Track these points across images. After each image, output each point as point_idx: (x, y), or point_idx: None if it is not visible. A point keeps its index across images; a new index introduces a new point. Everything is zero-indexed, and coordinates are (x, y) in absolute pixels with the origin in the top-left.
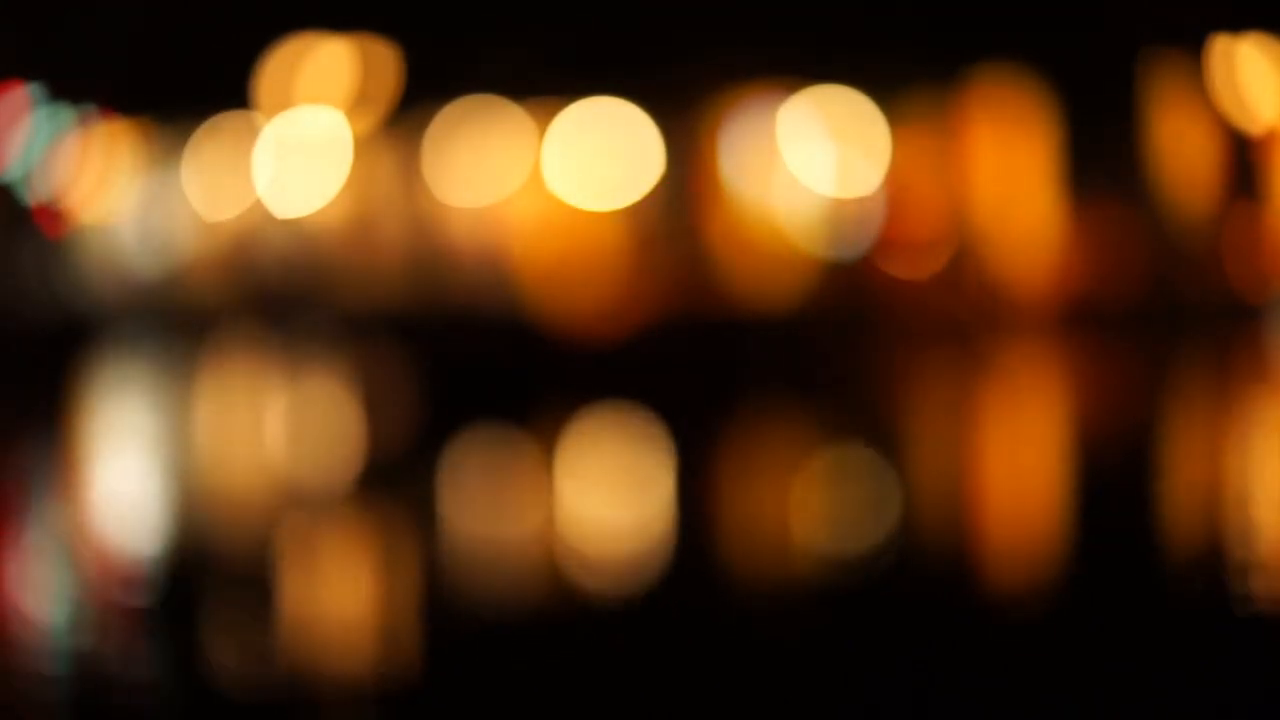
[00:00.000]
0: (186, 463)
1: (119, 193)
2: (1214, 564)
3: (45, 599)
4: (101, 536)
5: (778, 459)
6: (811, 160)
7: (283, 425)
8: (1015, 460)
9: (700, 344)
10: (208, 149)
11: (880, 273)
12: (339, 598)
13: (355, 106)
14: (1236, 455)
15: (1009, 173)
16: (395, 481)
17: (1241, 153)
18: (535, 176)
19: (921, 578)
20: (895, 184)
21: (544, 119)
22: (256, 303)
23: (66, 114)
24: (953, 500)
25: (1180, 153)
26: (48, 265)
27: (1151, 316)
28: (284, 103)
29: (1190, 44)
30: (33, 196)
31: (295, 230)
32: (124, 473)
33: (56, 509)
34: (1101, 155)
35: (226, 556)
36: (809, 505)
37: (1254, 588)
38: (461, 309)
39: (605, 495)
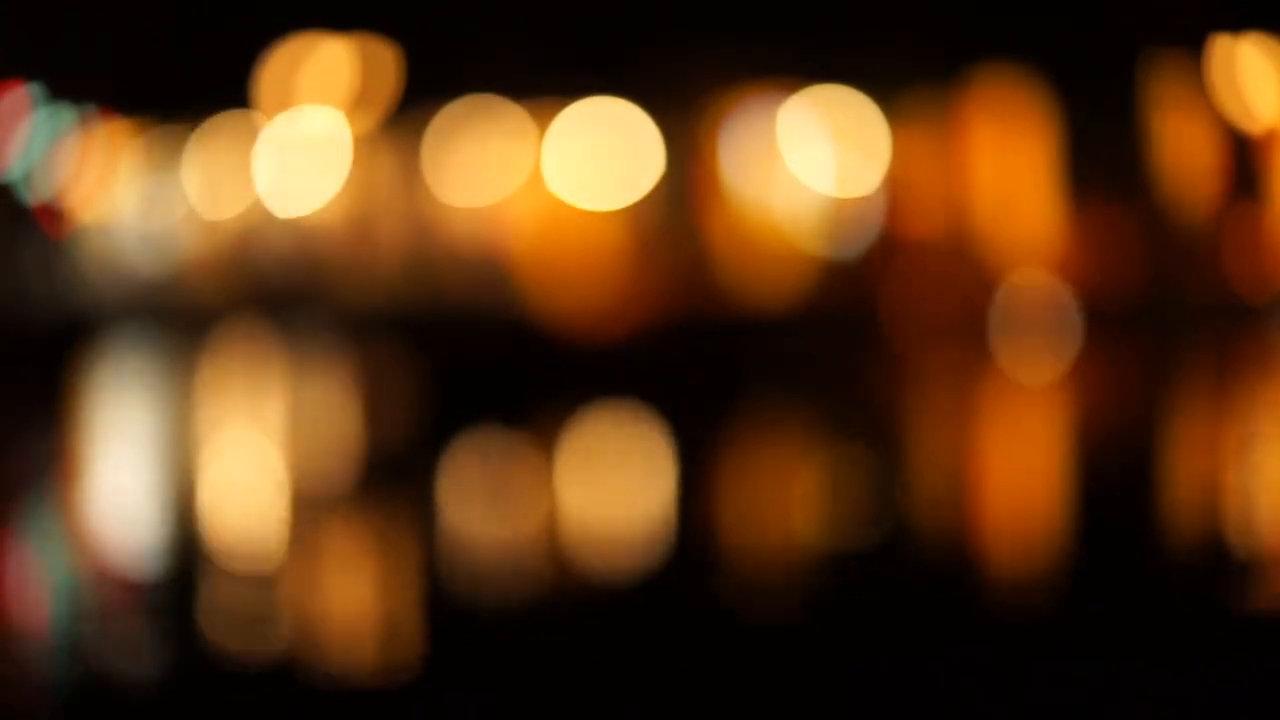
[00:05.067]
0: (186, 462)
1: (119, 193)
2: (1215, 563)
3: (45, 597)
4: (102, 535)
5: (778, 458)
6: (811, 160)
7: (283, 425)
8: (1015, 460)
9: (700, 344)
10: (208, 149)
11: (880, 273)
12: (339, 596)
13: (355, 106)
14: (1237, 455)
15: (1009, 173)
16: (395, 481)
17: (1241, 153)
18: (535, 176)
19: (922, 577)
20: (895, 184)
21: (544, 119)
22: (257, 302)
23: (66, 114)
24: (953, 499)
25: (1180, 153)
26: (48, 265)
27: (1152, 316)
28: (284, 103)
29: (1190, 44)
30: (33, 196)
31: (295, 230)
32: (124, 472)
33: (57, 508)
34: (1101, 155)
35: (227, 556)
36: (809, 504)
37: (1255, 586)
38: (461, 309)
39: (605, 495)
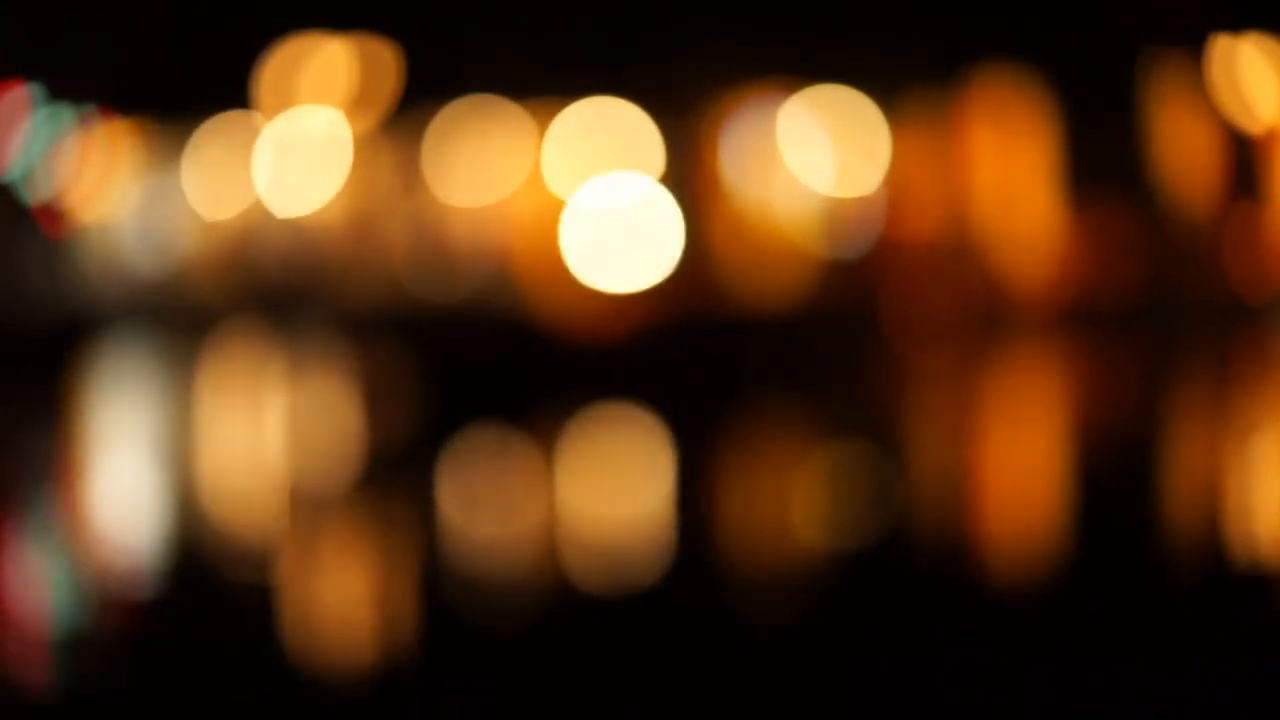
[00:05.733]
0: (187, 462)
1: (119, 193)
2: (1214, 564)
3: (45, 597)
4: (102, 535)
5: (778, 458)
6: (811, 160)
7: (283, 424)
8: (1015, 459)
9: (700, 344)
10: (208, 149)
11: (880, 273)
12: (339, 596)
13: (355, 106)
14: (1236, 455)
15: (1009, 173)
16: (395, 480)
17: (1241, 153)
18: (535, 176)
19: (922, 576)
20: (895, 184)
21: (544, 119)
22: (257, 302)
23: (66, 114)
24: (953, 499)
25: (1180, 153)
26: (48, 265)
27: (1152, 316)
28: (284, 103)
29: (1190, 44)
30: (33, 196)
31: (295, 229)
32: (124, 471)
33: (57, 508)
34: (1101, 155)
35: (227, 555)
36: (809, 504)
37: (1253, 585)
38: (461, 308)
39: (605, 494)
